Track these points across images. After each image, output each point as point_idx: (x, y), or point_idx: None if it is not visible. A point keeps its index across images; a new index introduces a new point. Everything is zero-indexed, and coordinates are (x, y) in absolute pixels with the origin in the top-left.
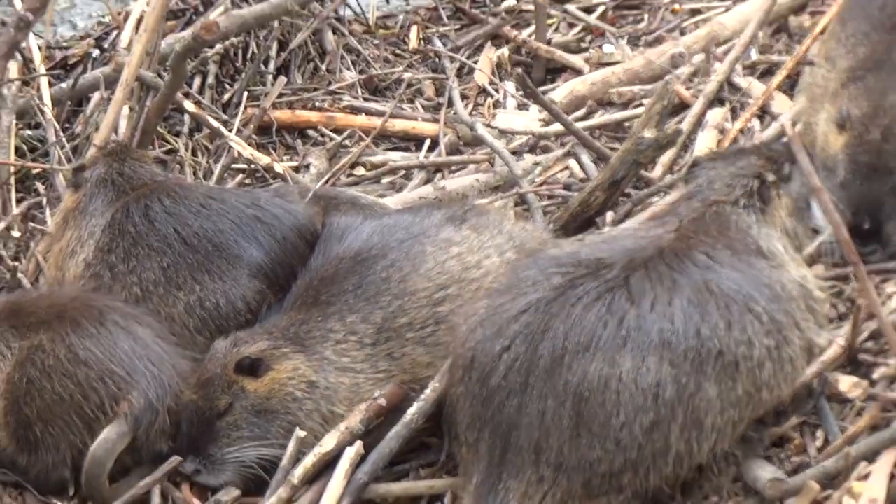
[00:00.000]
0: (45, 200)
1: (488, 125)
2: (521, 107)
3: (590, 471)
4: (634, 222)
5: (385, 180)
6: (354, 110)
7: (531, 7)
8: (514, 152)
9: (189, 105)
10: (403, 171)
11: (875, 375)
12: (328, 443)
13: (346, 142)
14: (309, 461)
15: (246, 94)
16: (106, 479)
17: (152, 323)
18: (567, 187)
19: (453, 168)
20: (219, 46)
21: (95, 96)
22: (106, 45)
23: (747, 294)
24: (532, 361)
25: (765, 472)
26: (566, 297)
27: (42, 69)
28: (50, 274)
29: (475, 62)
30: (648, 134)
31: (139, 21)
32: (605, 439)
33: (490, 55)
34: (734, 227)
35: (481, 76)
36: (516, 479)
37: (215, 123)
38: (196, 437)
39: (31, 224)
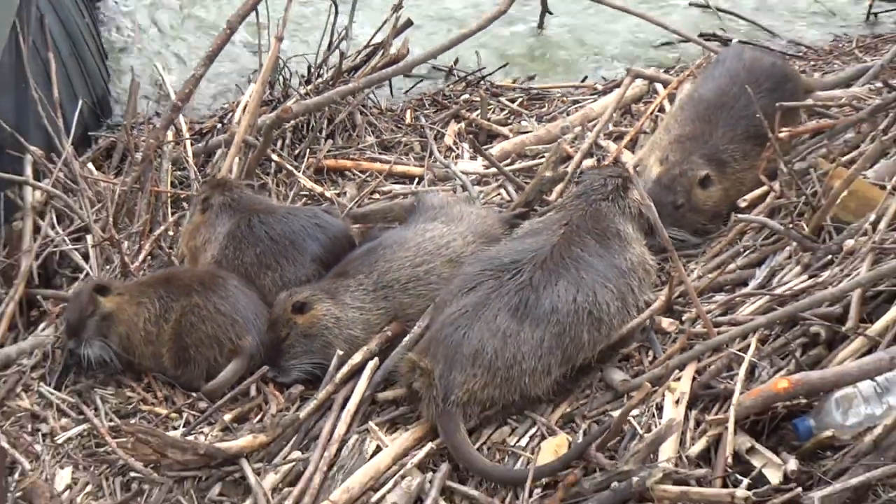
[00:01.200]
0: (187, 214)
1: (455, 168)
2: (472, 157)
3: (505, 372)
4: (546, 216)
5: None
6: (373, 160)
7: (478, 99)
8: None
9: (274, 156)
10: (402, 196)
11: (684, 318)
12: (356, 357)
13: (368, 179)
14: (345, 368)
15: (308, 149)
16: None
17: (252, 289)
18: (499, 205)
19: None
20: (293, 122)
21: (218, 151)
22: (225, 121)
23: (603, 274)
24: (472, 317)
25: (617, 376)
26: (499, 290)
27: (186, 135)
28: (188, 260)
29: (445, 131)
30: (548, 174)
31: (245, 106)
32: (518, 355)
33: (454, 127)
34: (604, 217)
35: (449, 139)
36: (461, 373)
37: (289, 167)
38: (271, 357)
39: (179, 228)
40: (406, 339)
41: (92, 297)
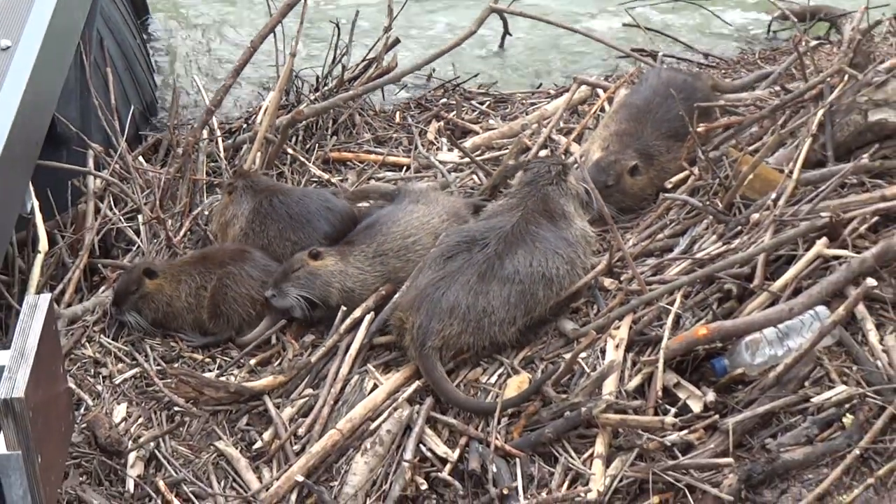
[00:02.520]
0: (219, 196)
1: (434, 158)
2: (450, 150)
3: (476, 322)
4: (505, 200)
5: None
6: (369, 152)
7: (454, 102)
8: (447, 171)
9: (290, 150)
10: (393, 182)
11: (622, 278)
12: (357, 312)
13: (365, 167)
14: (348, 321)
15: (317, 144)
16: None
17: (272, 260)
18: (472, 188)
19: (417, 179)
20: (304, 122)
21: (245, 146)
22: (250, 121)
23: (554, 245)
24: (450, 280)
25: (569, 325)
26: (471, 259)
27: (218, 133)
28: (220, 236)
29: (427, 129)
30: (511, 162)
31: (265, 110)
32: (488, 308)
33: (434, 125)
34: (551, 200)
35: (430, 135)
36: (438, 323)
37: (302, 158)
38: (277, 280)
39: (213, 207)
40: (395, 296)
41: (140, 277)
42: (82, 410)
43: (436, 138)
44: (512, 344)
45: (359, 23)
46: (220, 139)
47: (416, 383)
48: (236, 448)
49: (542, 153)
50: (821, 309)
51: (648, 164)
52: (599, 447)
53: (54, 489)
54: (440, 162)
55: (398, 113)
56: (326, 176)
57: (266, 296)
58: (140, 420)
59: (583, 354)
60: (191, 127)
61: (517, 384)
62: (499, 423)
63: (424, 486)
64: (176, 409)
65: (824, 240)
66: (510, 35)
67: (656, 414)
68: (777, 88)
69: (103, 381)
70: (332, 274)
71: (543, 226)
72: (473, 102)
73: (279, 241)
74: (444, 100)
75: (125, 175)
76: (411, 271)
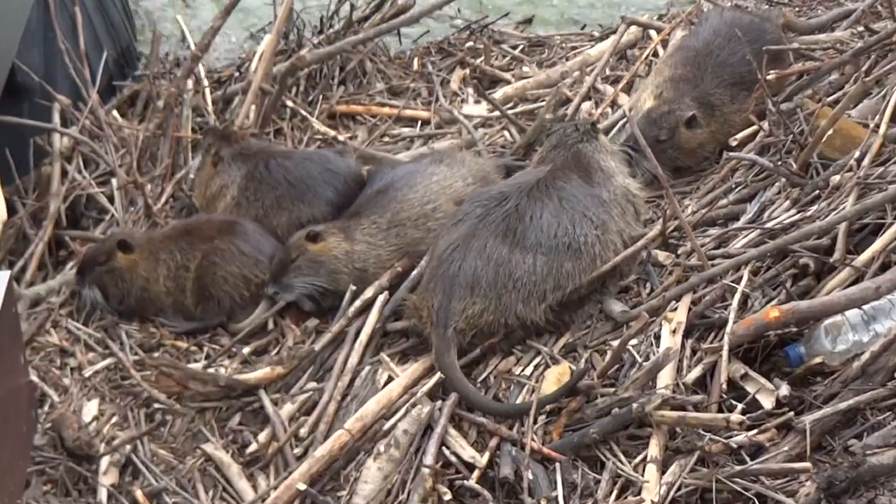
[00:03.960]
0: (197, 163)
1: (459, 112)
2: (476, 101)
3: (498, 298)
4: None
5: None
6: (382, 105)
7: (482, 46)
8: (473, 127)
9: (289, 102)
10: (409, 139)
11: (679, 251)
12: (368, 292)
13: (378, 122)
14: (357, 303)
15: (321, 96)
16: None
17: (268, 234)
18: (503, 147)
19: (438, 137)
20: (306, 70)
21: (236, 99)
22: (242, 69)
23: (584, 204)
24: (464, 249)
25: (617, 307)
26: (486, 219)
27: (206, 83)
28: (203, 207)
29: (450, 77)
30: (548, 116)
31: (261, 56)
32: (510, 282)
33: (459, 73)
34: (584, 156)
35: (454, 84)
36: (459, 302)
37: (304, 112)
38: (277, 274)
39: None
40: (413, 273)
41: (112, 248)
42: (46, 408)
43: (460, 88)
44: (548, 327)
45: None
46: (207, 90)
47: (438, 375)
48: (227, 452)
49: (585, 106)
50: None
51: (708, 115)
52: (653, 450)
53: (13, 500)
54: (465, 116)
55: (416, 59)
56: (332, 133)
57: (268, 293)
58: (114, 419)
59: (633, 341)
60: (173, 76)
61: (557, 376)
62: (535, 421)
63: (448, 497)
64: (156, 405)
65: None
66: None
67: (720, 411)
68: (860, 29)
69: (71, 374)
70: (336, 258)
71: (573, 181)
72: (504, 46)
73: (276, 211)
74: (471, 43)
75: (97, 132)
76: (432, 241)
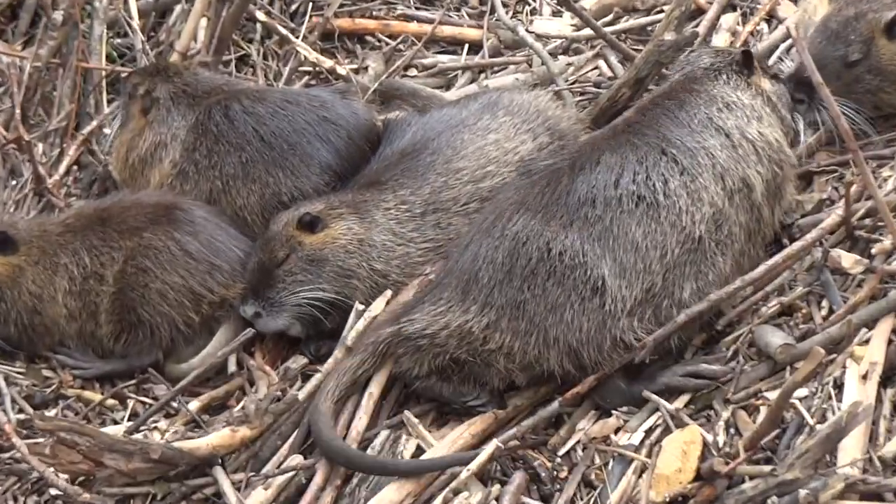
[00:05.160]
0: (116, 118)
1: (526, 30)
2: (556, 14)
3: (516, 311)
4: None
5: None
6: (407, 18)
7: None
8: (549, 54)
9: (260, 15)
10: (450, 74)
11: (874, 250)
12: (376, 308)
13: (400, 46)
14: (361, 325)
15: (311, 4)
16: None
17: (228, 221)
18: (597, 85)
19: (495, 69)
20: None
21: (177, 8)
22: None
23: (668, 140)
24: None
25: (776, 338)
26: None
27: None
28: (125, 181)
29: None
30: (668, 37)
31: None
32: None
33: None
34: (697, 91)
35: None
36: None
37: (284, 31)
38: (257, 285)
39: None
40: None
41: None
42: None
43: None
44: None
45: None
46: None
47: (494, 443)
48: None
49: (726, 19)
50: None
51: None
52: None
53: None
54: (537, 37)
55: None
56: (329, 63)
57: (245, 315)
58: None
59: (801, 391)
60: None
61: (681, 446)
62: None
63: None
64: (53, 492)
65: None
66: None
67: None
68: None
69: None
70: (347, 252)
71: (665, 113)
72: None
73: (241, 184)
74: None
75: None
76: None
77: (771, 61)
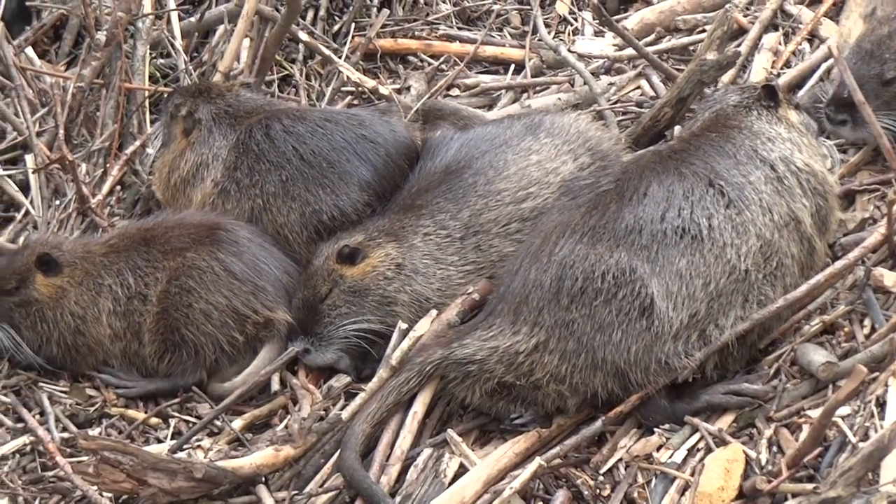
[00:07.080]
0: (158, 137)
1: (568, 50)
2: (598, 34)
3: (564, 330)
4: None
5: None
6: (449, 38)
7: None
8: (591, 74)
9: (303, 35)
10: (492, 93)
11: None
12: (422, 327)
13: (443, 66)
14: (405, 344)
15: (353, 24)
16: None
17: (273, 242)
18: (639, 104)
19: (538, 89)
20: None
21: (220, 29)
22: None
23: (715, 171)
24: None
25: (818, 357)
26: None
27: (172, 4)
28: (168, 200)
29: None
30: (711, 56)
31: None
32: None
33: None
34: (738, 126)
35: (562, 6)
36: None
37: (326, 51)
38: (304, 321)
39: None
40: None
41: (28, 267)
42: None
43: (572, 12)
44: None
45: None
46: (175, 15)
47: (537, 462)
48: None
49: (767, 41)
50: None
51: None
52: None
53: None
54: (579, 57)
55: None
56: (371, 83)
57: (299, 355)
58: None
59: (843, 409)
60: None
61: (723, 465)
62: None
63: None
64: None
65: None
66: None
67: None
68: None
69: None
70: (387, 279)
71: (711, 144)
72: None
73: (282, 203)
74: None
75: (2, 81)
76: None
77: (812, 81)
